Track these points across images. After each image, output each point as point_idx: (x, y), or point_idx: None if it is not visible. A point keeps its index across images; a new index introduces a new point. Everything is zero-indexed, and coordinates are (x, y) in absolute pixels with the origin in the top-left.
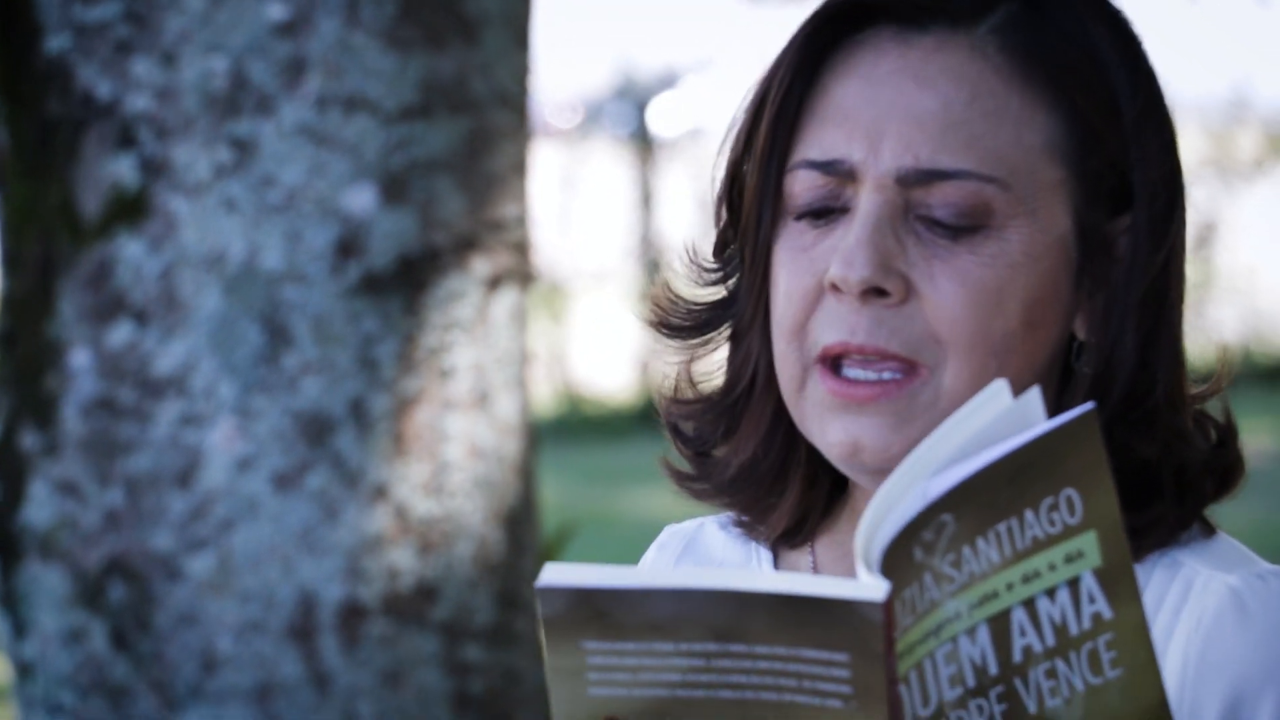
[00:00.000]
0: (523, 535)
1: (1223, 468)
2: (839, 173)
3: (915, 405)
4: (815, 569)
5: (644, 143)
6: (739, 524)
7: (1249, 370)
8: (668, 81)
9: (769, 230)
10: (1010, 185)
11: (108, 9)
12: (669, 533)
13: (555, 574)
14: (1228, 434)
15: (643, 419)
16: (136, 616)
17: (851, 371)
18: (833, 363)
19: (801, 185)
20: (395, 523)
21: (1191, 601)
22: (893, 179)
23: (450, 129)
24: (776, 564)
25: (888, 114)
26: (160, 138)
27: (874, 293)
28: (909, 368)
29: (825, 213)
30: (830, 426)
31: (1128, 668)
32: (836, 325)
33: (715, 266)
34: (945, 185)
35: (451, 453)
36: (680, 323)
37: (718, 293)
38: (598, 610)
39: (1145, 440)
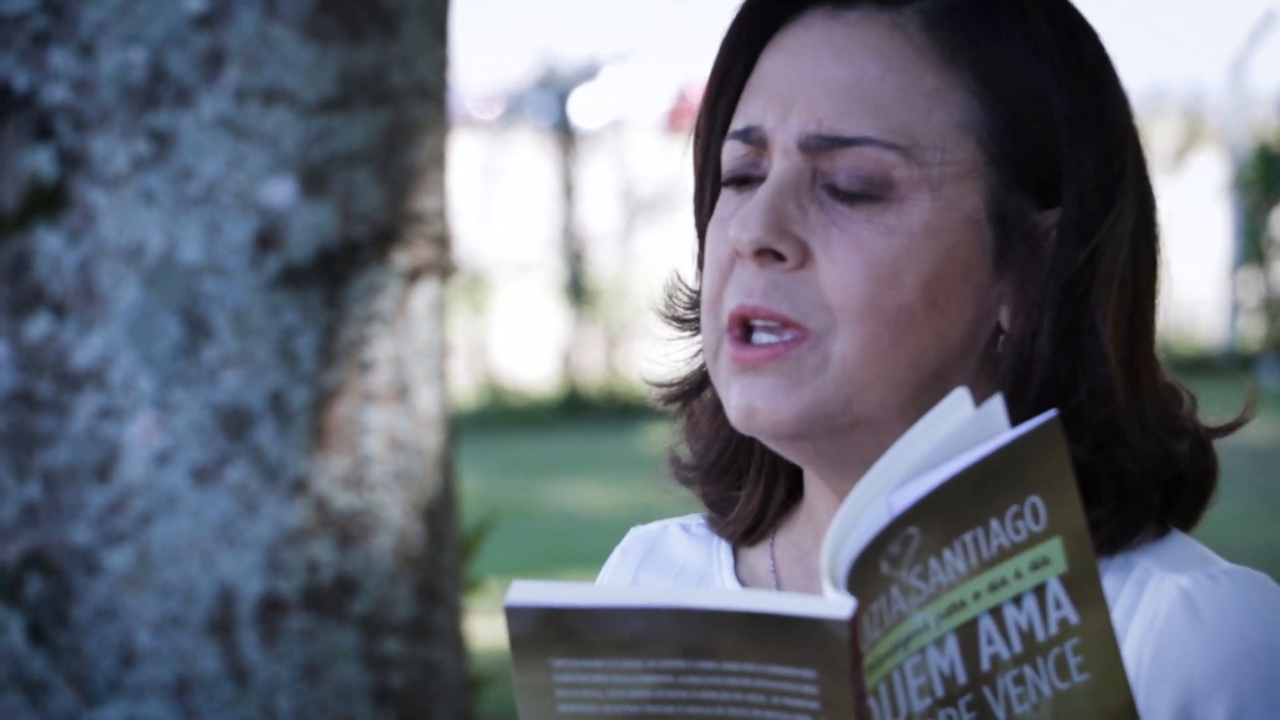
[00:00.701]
0: (443, 528)
1: (1185, 475)
2: (753, 140)
3: (802, 369)
4: (774, 569)
5: (566, 134)
6: (708, 519)
7: (1168, 362)
8: (589, 73)
9: (709, 207)
10: (913, 156)
11: (25, 0)
12: (633, 536)
13: (523, 593)
14: (1196, 441)
15: (565, 411)
16: (54, 611)
17: (756, 337)
18: (741, 330)
19: (727, 156)
20: (315, 516)
21: (1144, 603)
22: (796, 144)
23: (369, 121)
24: (737, 564)
25: (800, 84)
26: (78, 129)
27: (771, 256)
28: (799, 332)
29: (745, 181)
30: (731, 390)
31: (1095, 672)
32: (737, 289)
33: None
34: (847, 152)
35: (371, 446)
36: (685, 314)
37: None
38: (566, 629)
39: (1075, 441)
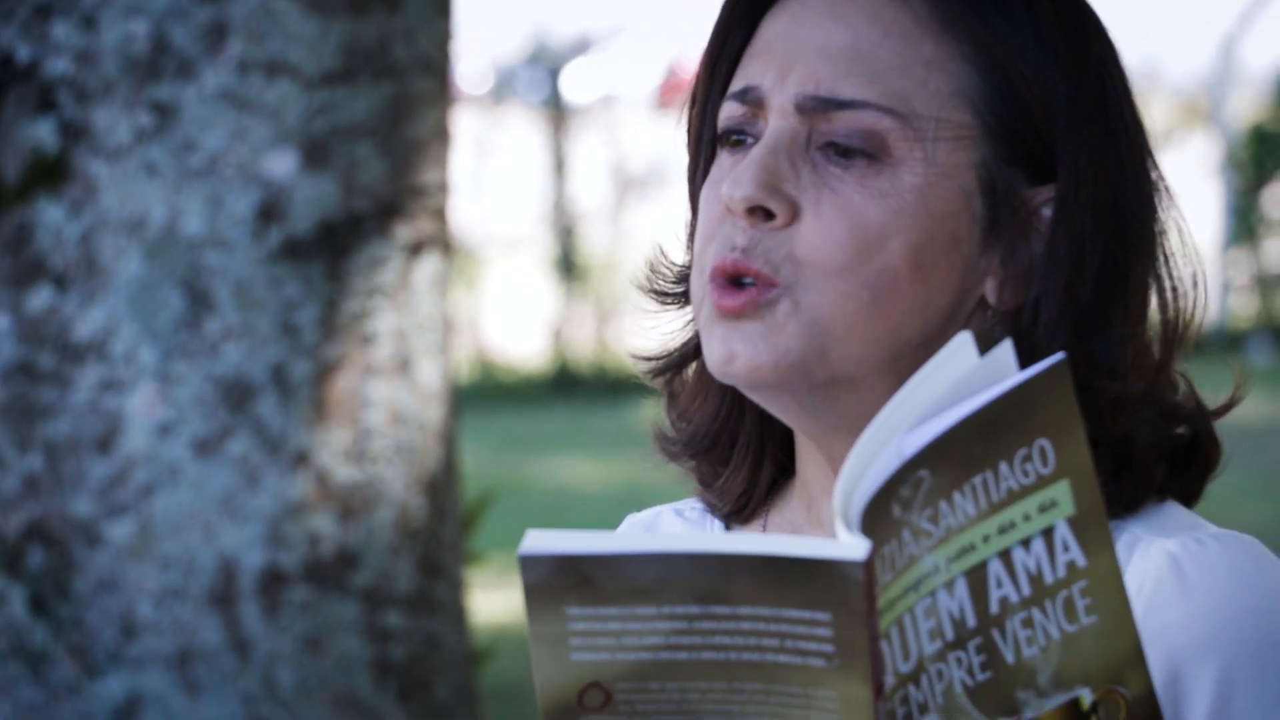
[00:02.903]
0: (444, 502)
1: (1189, 447)
2: (750, 100)
3: (776, 316)
4: None
5: (557, 109)
6: (700, 497)
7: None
8: (581, 48)
9: (705, 171)
10: (908, 120)
11: None
12: (628, 522)
13: (537, 541)
14: (1196, 415)
15: (556, 386)
16: (56, 582)
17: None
18: (723, 280)
19: (724, 116)
20: (316, 489)
21: (1133, 568)
22: (792, 105)
23: (372, 94)
24: None
25: (800, 46)
26: (80, 101)
27: (760, 213)
28: (769, 284)
29: (741, 141)
30: (712, 338)
31: (1102, 614)
32: (722, 244)
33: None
34: (843, 114)
35: (373, 419)
36: (669, 287)
37: None
38: (580, 576)
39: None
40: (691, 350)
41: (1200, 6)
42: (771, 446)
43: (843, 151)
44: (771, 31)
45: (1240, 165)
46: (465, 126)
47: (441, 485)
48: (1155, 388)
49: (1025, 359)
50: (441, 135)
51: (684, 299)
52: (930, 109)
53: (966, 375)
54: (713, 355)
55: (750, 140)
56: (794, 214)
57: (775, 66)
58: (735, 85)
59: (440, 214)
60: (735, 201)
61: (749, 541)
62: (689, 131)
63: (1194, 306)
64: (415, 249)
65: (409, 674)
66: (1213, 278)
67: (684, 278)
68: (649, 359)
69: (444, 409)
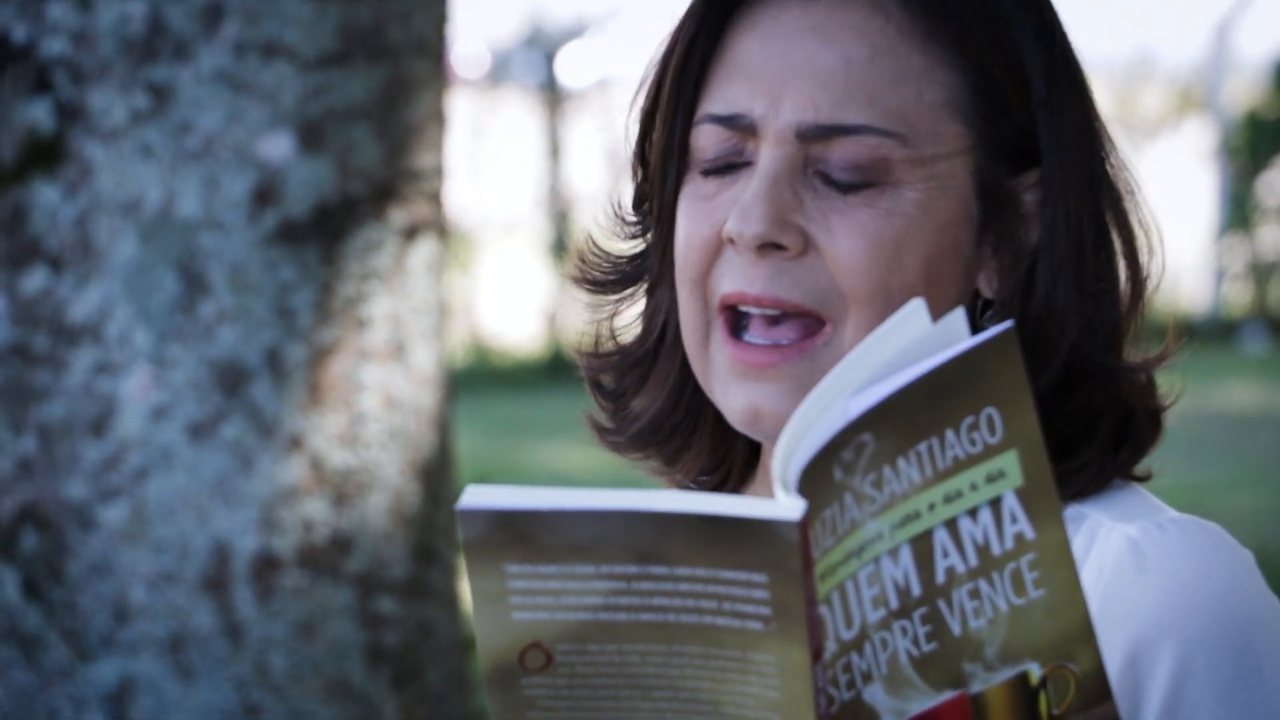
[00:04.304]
0: (438, 488)
1: (1135, 415)
2: (740, 127)
3: (816, 369)
4: None
5: (553, 93)
6: (668, 480)
7: (1150, 327)
8: (577, 31)
9: (675, 184)
10: (909, 140)
11: None
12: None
13: (476, 496)
14: (1148, 392)
15: (551, 371)
16: (49, 565)
17: (751, 337)
18: (733, 320)
19: (706, 139)
20: (310, 474)
21: (1094, 553)
22: (793, 134)
23: (368, 77)
24: None
25: (790, 70)
26: (76, 82)
27: (771, 247)
28: (807, 327)
29: (728, 168)
30: (731, 392)
31: (1050, 588)
32: (734, 275)
33: (635, 220)
34: (845, 140)
35: (367, 403)
36: (603, 277)
37: (639, 246)
38: (519, 532)
39: (1087, 389)
40: (652, 349)
41: None
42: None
43: (846, 175)
44: (749, 50)
45: (1235, 152)
46: (461, 109)
47: (436, 471)
48: (1148, 361)
49: (1035, 345)
50: (437, 118)
51: (615, 287)
52: (927, 124)
53: (917, 341)
54: (733, 410)
55: (739, 165)
56: (805, 243)
57: (764, 91)
58: (715, 107)
59: (436, 198)
60: (746, 239)
61: (685, 500)
62: (656, 146)
63: (1154, 273)
64: (410, 233)
65: (402, 660)
66: (1207, 265)
67: (618, 267)
68: (598, 355)
69: (438, 394)
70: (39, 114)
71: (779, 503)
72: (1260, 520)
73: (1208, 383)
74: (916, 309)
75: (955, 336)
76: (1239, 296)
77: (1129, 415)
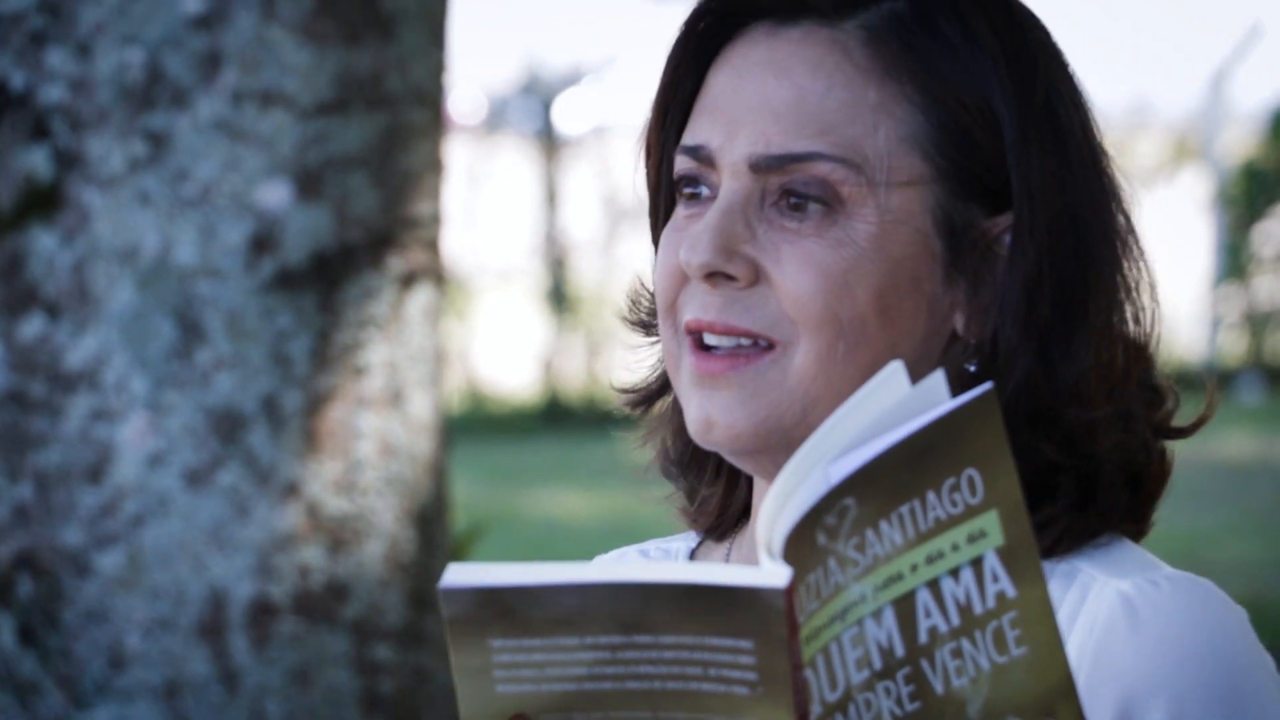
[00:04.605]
0: (434, 534)
1: (1146, 474)
2: (702, 159)
3: (761, 382)
4: None
5: (549, 140)
6: (684, 516)
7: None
8: (573, 79)
9: (664, 217)
10: (861, 170)
11: None
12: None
13: (459, 574)
14: (1152, 438)
15: (546, 418)
16: (45, 612)
17: (710, 338)
18: (699, 344)
19: (679, 170)
20: (306, 520)
21: (1087, 608)
22: (745, 165)
23: (366, 125)
24: None
25: (746, 104)
26: (74, 129)
27: (721, 277)
28: (763, 343)
29: (696, 198)
30: (692, 403)
31: (1032, 646)
32: (693, 304)
33: None
34: (796, 168)
35: (364, 450)
36: (652, 320)
37: None
38: (503, 608)
39: (1044, 440)
40: (663, 382)
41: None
42: (744, 472)
43: (797, 204)
44: (717, 87)
45: (1231, 202)
46: (458, 156)
47: (432, 517)
48: (1123, 407)
49: (1002, 390)
50: (435, 166)
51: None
52: (881, 156)
53: (898, 404)
54: (691, 420)
55: (706, 193)
56: (755, 274)
57: (722, 124)
58: (687, 139)
59: (433, 245)
60: (693, 269)
61: (670, 570)
62: (647, 179)
63: (1156, 321)
64: (408, 280)
65: (398, 707)
66: (1203, 315)
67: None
68: (629, 390)
69: (435, 441)
70: (37, 161)
71: (764, 570)
72: (1257, 570)
73: (1204, 432)
74: (895, 371)
75: (935, 398)
76: (1235, 346)
77: (1097, 471)
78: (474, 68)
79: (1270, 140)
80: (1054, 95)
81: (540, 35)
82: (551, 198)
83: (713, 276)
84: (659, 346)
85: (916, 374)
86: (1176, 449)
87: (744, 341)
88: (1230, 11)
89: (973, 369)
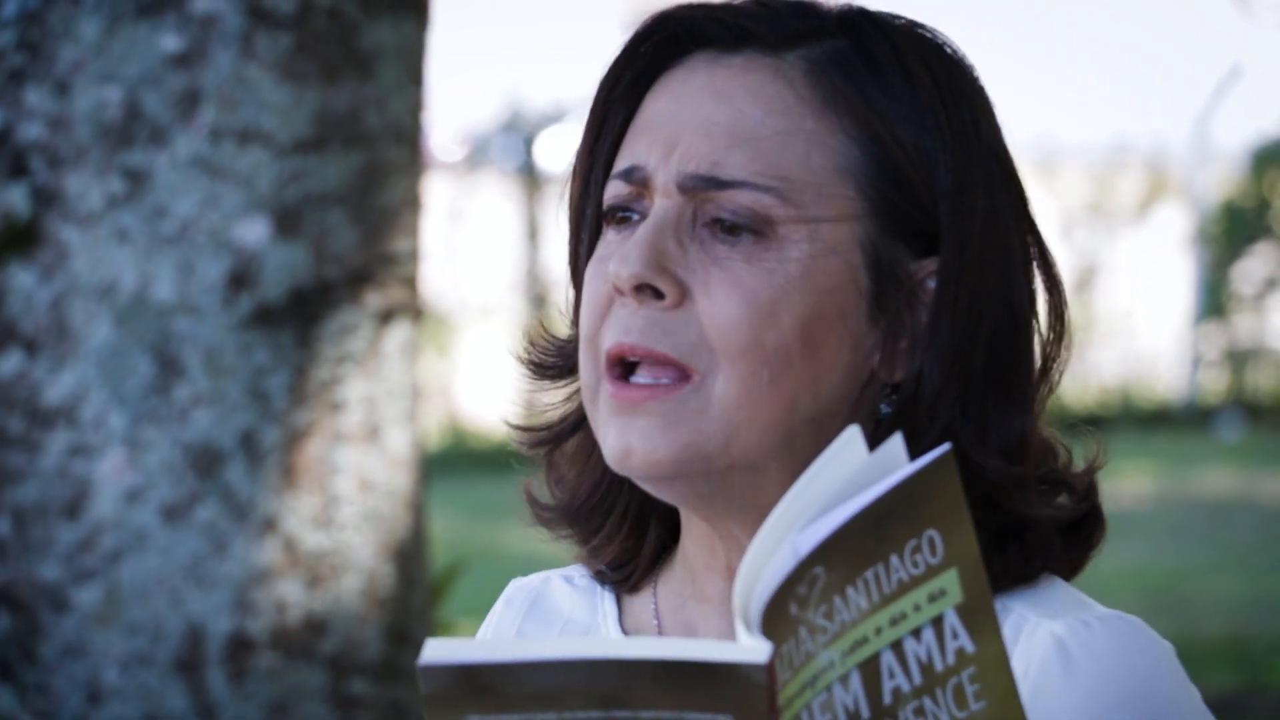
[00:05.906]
0: (412, 570)
1: (1079, 523)
2: (636, 180)
3: (683, 410)
4: (657, 618)
5: (531, 176)
6: (589, 567)
7: (1128, 413)
8: (555, 116)
9: (588, 247)
10: (790, 199)
11: (0, 37)
12: (514, 587)
13: (437, 650)
14: (1089, 489)
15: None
16: (22, 647)
17: (636, 379)
18: (620, 371)
19: (609, 195)
20: (284, 555)
21: (1020, 649)
22: (675, 185)
23: (344, 162)
24: (621, 615)
25: (683, 125)
26: (53, 167)
27: (649, 293)
28: (681, 373)
29: (627, 220)
30: (608, 431)
31: (990, 700)
32: (615, 327)
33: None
34: (725, 193)
35: (341, 486)
36: (550, 360)
37: None
38: (481, 685)
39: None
40: (572, 424)
41: (1173, 81)
42: (656, 516)
43: (729, 228)
44: (654, 109)
45: (1212, 240)
46: (438, 193)
47: (410, 553)
48: (1046, 464)
49: (910, 436)
50: (413, 203)
51: (562, 372)
52: (812, 186)
53: (858, 470)
54: (609, 448)
55: (637, 218)
56: (682, 294)
57: (659, 145)
58: (620, 164)
59: (411, 282)
60: (623, 280)
61: (649, 646)
62: (570, 208)
63: (1057, 369)
64: (385, 317)
65: None
66: (1184, 352)
67: (563, 351)
68: (528, 429)
69: (413, 476)
70: (15, 198)
71: (744, 645)
72: (1237, 606)
73: (1185, 469)
74: (853, 437)
75: (894, 462)
76: (1215, 383)
77: (1023, 526)
78: (455, 104)
79: (1251, 179)
80: (989, 147)
81: (522, 72)
82: (533, 234)
83: (641, 291)
84: (562, 391)
85: (836, 411)
86: (1158, 486)
87: (664, 379)
88: (1209, 50)
89: (886, 409)
